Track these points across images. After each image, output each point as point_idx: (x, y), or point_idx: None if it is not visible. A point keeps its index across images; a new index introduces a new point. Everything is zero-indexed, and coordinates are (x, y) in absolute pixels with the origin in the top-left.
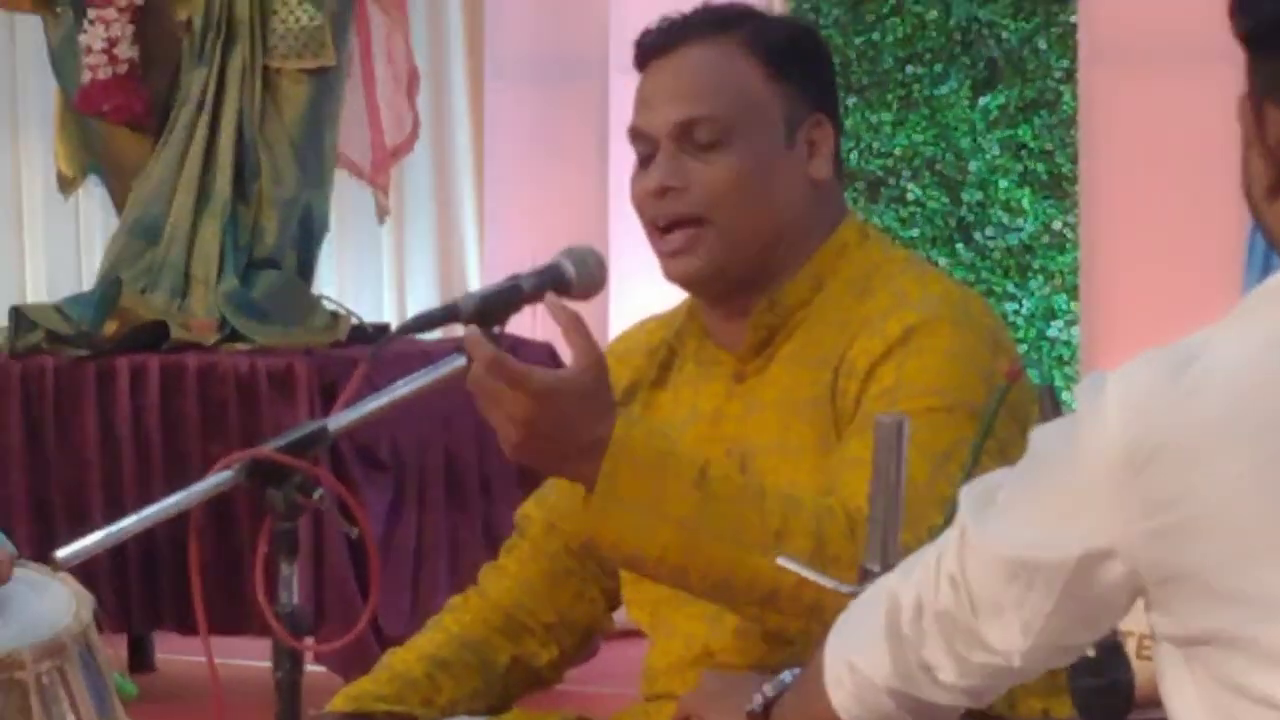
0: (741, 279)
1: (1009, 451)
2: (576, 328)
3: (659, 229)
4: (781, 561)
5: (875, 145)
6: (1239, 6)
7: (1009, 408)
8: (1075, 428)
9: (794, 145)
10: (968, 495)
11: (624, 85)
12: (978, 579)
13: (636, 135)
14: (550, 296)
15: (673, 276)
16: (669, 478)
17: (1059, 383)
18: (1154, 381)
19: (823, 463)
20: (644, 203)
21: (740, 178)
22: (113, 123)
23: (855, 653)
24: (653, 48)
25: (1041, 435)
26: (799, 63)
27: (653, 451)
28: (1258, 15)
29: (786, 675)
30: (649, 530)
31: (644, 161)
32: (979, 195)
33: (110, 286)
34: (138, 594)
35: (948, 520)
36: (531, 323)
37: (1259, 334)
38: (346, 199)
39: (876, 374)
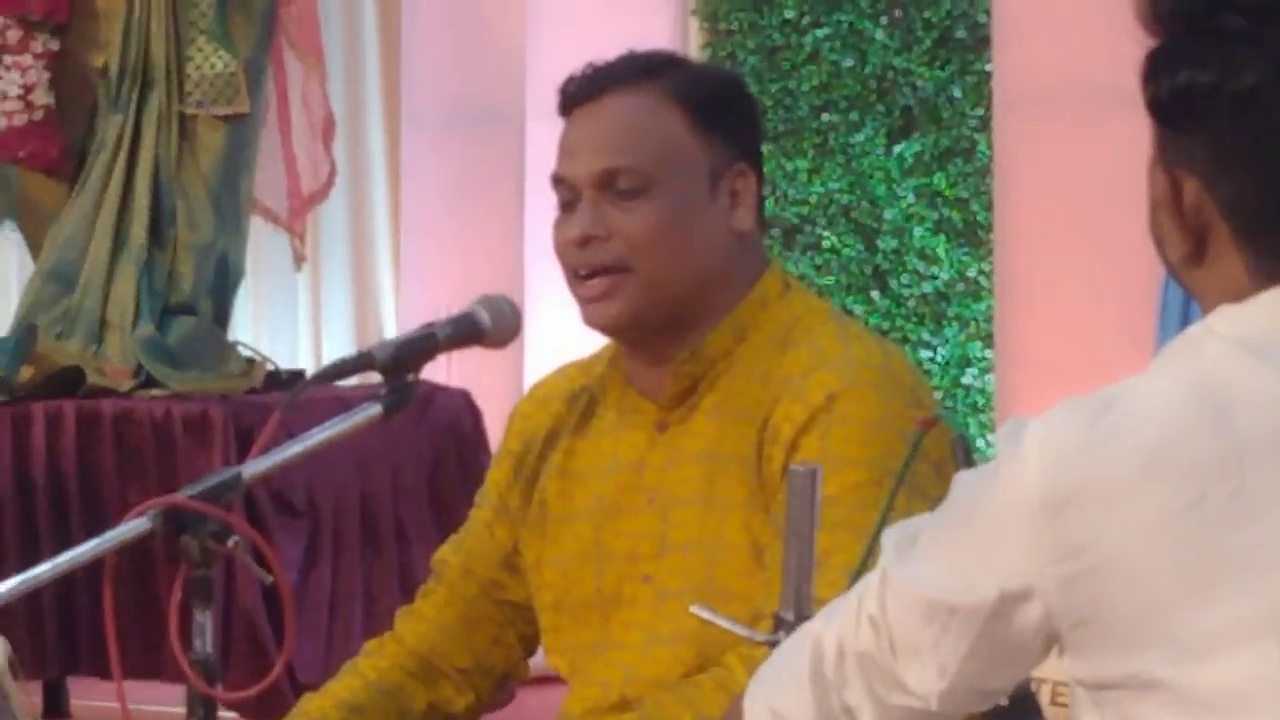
0: (662, 326)
1: (926, 494)
2: None
3: (579, 277)
4: (694, 609)
5: (791, 192)
6: (1150, 76)
7: (924, 455)
8: (995, 472)
9: (717, 195)
10: (889, 538)
11: (541, 132)
12: (898, 620)
13: (559, 182)
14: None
15: (592, 322)
16: None
17: (974, 429)
18: (1072, 427)
19: (750, 519)
20: (566, 251)
21: (662, 227)
22: (28, 168)
23: (778, 699)
24: (577, 95)
25: (962, 480)
26: (724, 113)
27: None
28: (1170, 87)
29: None
30: None
31: (566, 209)
32: (894, 243)
33: (26, 333)
34: (53, 639)
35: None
36: (447, 370)
37: (1176, 383)
38: (263, 245)
39: (800, 444)
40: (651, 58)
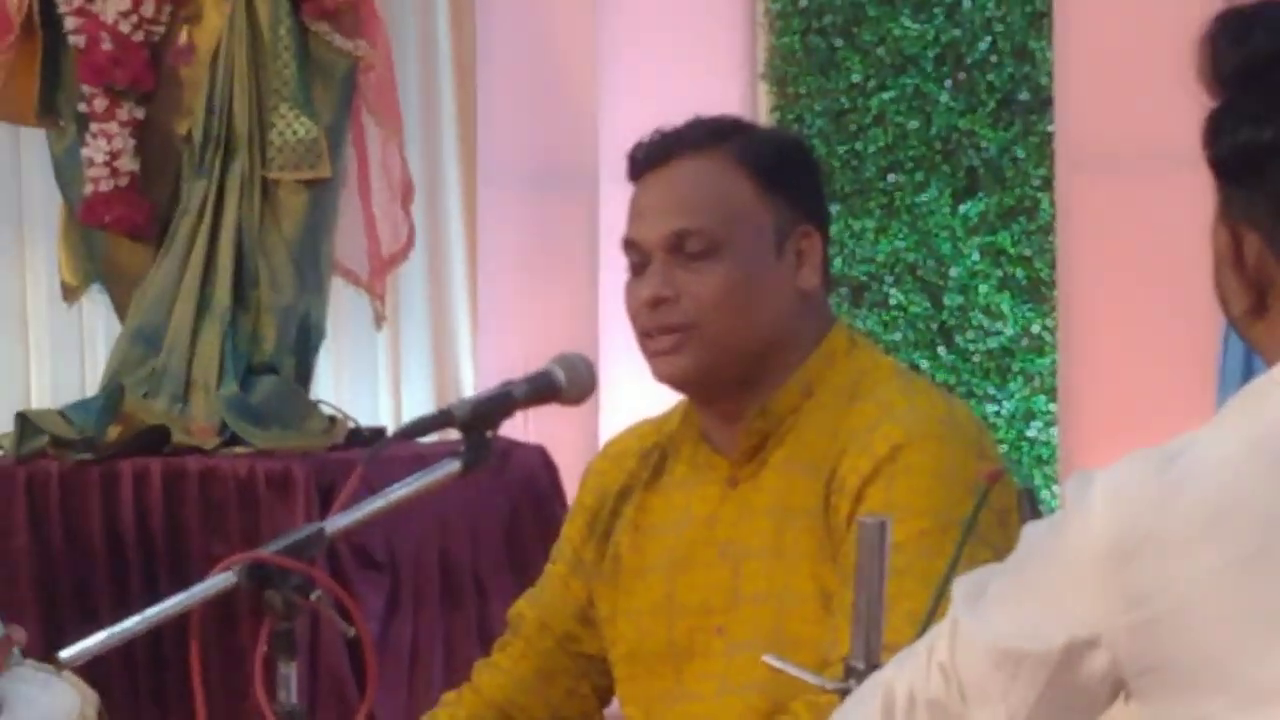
0: (729, 383)
1: (990, 542)
2: None
3: (649, 335)
4: (767, 659)
5: (858, 252)
6: (1211, 135)
7: (988, 505)
8: (1063, 522)
9: (783, 256)
10: (959, 587)
11: (614, 194)
12: (967, 668)
13: (630, 246)
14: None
15: (661, 376)
16: None
17: (1039, 482)
18: (1139, 478)
19: (817, 569)
20: (638, 313)
21: (730, 288)
22: (114, 233)
23: None
24: (646, 160)
25: (1031, 531)
26: (788, 175)
27: None
28: (1230, 145)
29: None
30: None
31: (636, 271)
32: (959, 300)
33: (113, 392)
34: (144, 692)
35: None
36: (524, 427)
37: (1240, 435)
38: (344, 306)
39: (866, 495)
40: (717, 123)
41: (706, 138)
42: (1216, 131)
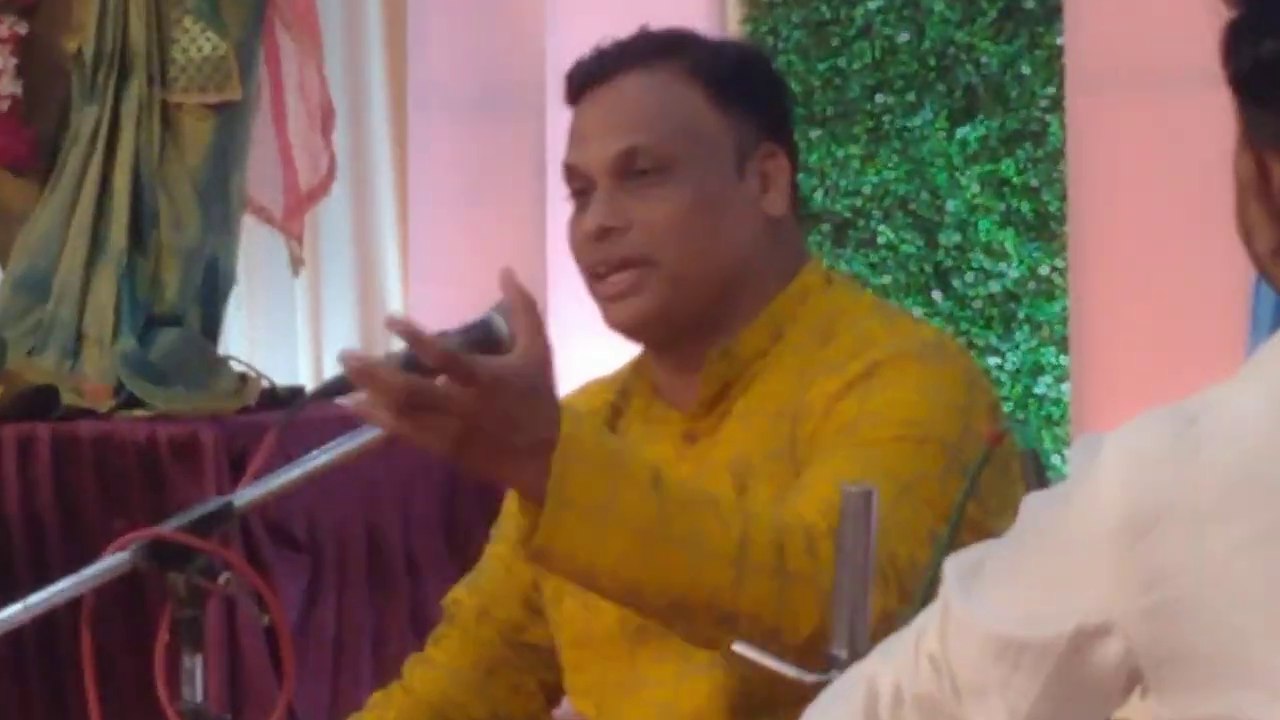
0: (691, 324)
1: (993, 507)
2: (530, 311)
3: (598, 275)
4: (737, 648)
5: (842, 183)
6: (1230, 49)
7: (994, 462)
8: (1069, 493)
9: (744, 178)
10: (952, 567)
11: (563, 118)
12: (961, 659)
13: (571, 173)
14: (505, 271)
15: (615, 323)
16: (623, 480)
17: (1048, 444)
18: (1154, 442)
19: None
20: (582, 248)
21: (686, 213)
22: None
23: None
24: (586, 79)
25: (1032, 502)
26: (748, 89)
27: (604, 451)
28: (1254, 58)
29: None
30: (603, 538)
31: (579, 203)
32: (957, 237)
33: None
34: (37, 686)
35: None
36: None
37: (1268, 392)
38: (256, 248)
39: (836, 409)
40: (666, 35)
41: (653, 51)
42: (1235, 45)
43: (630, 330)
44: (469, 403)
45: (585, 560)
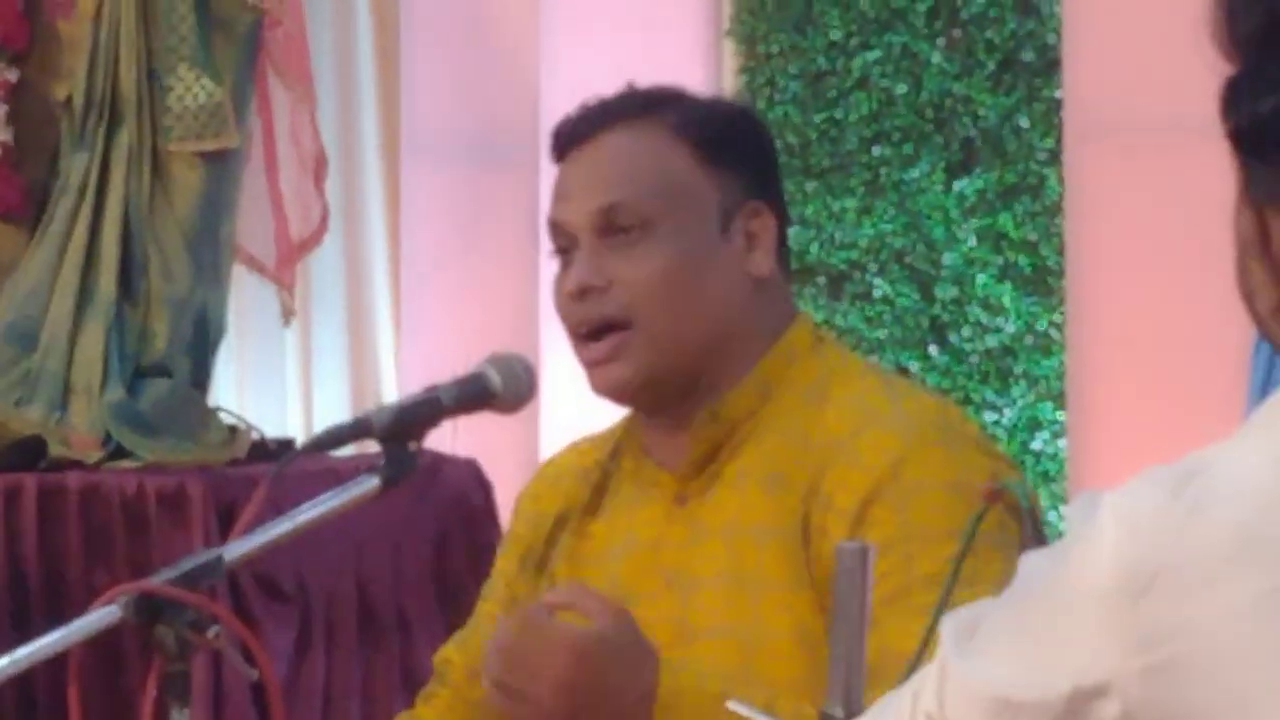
0: (674, 388)
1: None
2: (584, 595)
3: (581, 337)
4: (732, 705)
5: (838, 235)
6: (1229, 105)
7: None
8: (1067, 551)
9: (729, 237)
10: (949, 626)
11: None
12: (957, 718)
13: (555, 230)
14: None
15: (599, 389)
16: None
17: (1045, 501)
18: (1153, 500)
19: (793, 600)
20: (564, 307)
21: (668, 273)
22: None
23: None
24: (571, 136)
25: (1030, 561)
26: (734, 147)
27: (704, 697)
28: (1253, 114)
29: None
30: None
31: (564, 261)
32: (954, 291)
33: None
34: None
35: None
36: (453, 439)
37: (1268, 452)
38: (246, 298)
39: (870, 518)
40: (652, 93)
41: (638, 108)
42: (1235, 101)
43: (614, 396)
44: (564, 670)
45: None
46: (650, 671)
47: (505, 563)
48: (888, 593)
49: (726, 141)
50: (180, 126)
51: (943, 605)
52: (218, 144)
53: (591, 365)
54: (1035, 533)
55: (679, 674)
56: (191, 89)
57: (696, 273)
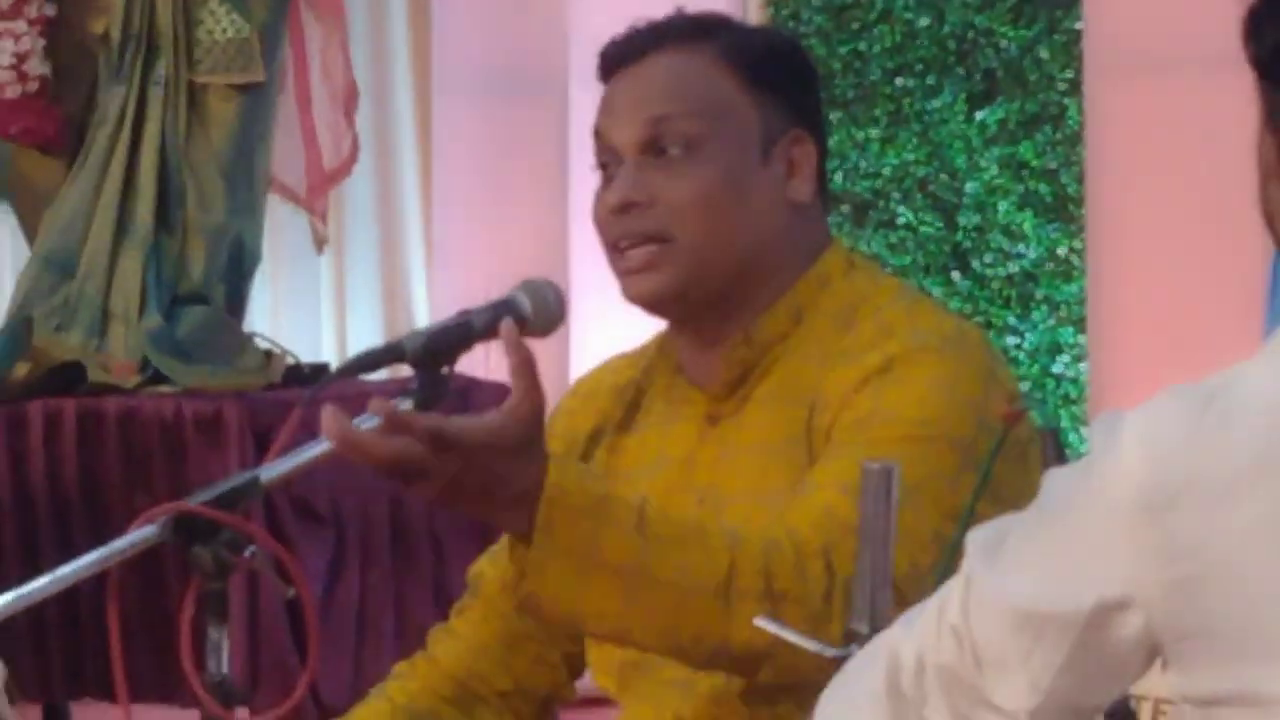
0: (707, 303)
1: (1006, 496)
2: (526, 369)
3: (619, 249)
4: (759, 622)
5: (862, 165)
6: (1251, 32)
7: (1009, 450)
8: (1090, 469)
9: (770, 162)
10: (975, 541)
11: (586, 100)
12: (983, 631)
13: (600, 143)
14: (508, 327)
15: (632, 297)
16: (606, 524)
17: (1065, 423)
18: (1176, 417)
19: None
20: (605, 221)
21: (709, 192)
22: (23, 145)
23: (852, 716)
24: (619, 56)
25: (1053, 478)
26: (779, 75)
27: (588, 497)
28: (1273, 42)
29: None
30: (587, 583)
31: (605, 176)
32: (976, 219)
33: (20, 325)
34: (56, 660)
35: (946, 568)
36: (485, 363)
37: None
38: (280, 227)
39: (851, 401)
40: (701, 18)
41: (687, 32)
42: (1258, 27)
43: (647, 304)
44: (450, 467)
45: (570, 606)
46: (537, 467)
47: None
48: (833, 448)
49: (772, 69)
50: (209, 59)
51: (965, 526)
52: (244, 78)
53: (626, 274)
54: (1056, 453)
55: (566, 470)
56: (221, 24)
57: (737, 194)
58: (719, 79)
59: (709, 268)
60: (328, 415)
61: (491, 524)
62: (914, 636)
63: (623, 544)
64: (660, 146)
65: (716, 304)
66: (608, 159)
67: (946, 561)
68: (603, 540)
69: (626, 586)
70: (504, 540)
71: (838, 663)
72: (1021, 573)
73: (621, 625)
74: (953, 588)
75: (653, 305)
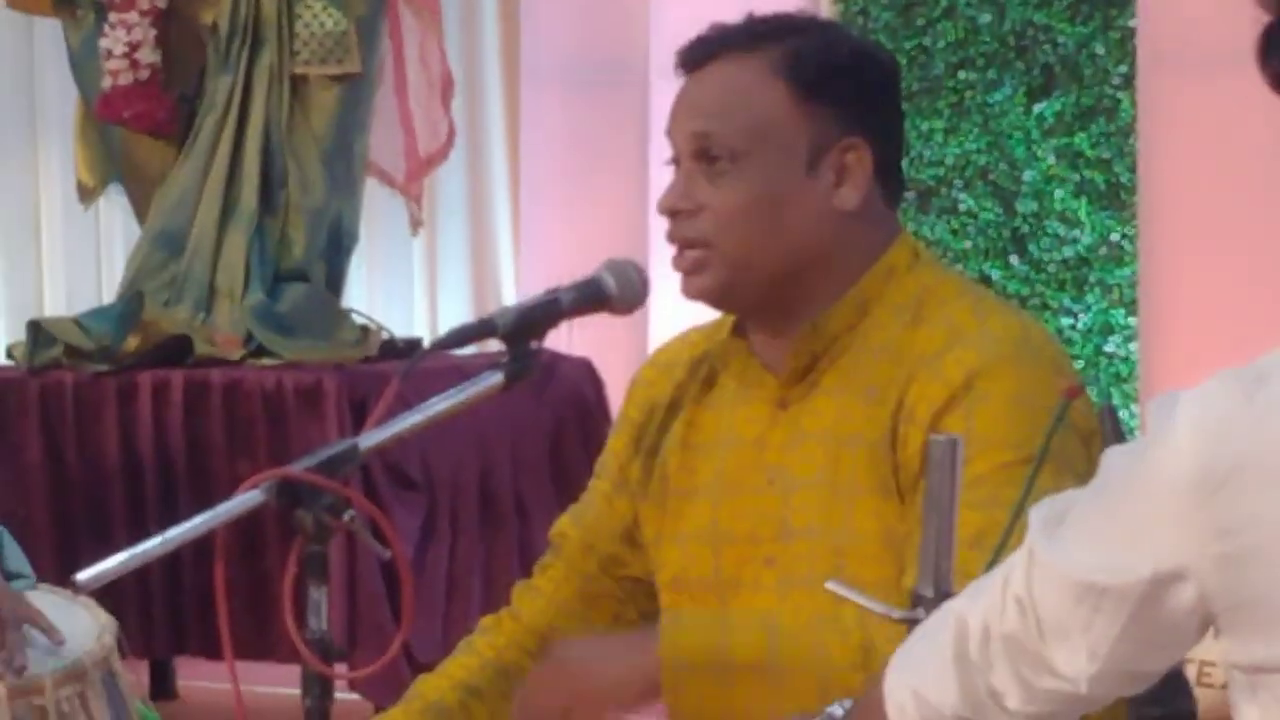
0: (759, 303)
1: (1074, 467)
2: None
3: (675, 248)
4: (830, 585)
5: (926, 154)
6: (1265, 54)
7: (1071, 427)
8: (1146, 450)
9: (818, 173)
10: (1037, 515)
11: (665, 90)
12: (1045, 601)
13: (670, 138)
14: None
15: (685, 294)
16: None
17: (1117, 400)
18: (1228, 402)
19: (880, 506)
20: (666, 218)
21: (748, 205)
22: (134, 130)
23: (921, 681)
24: (688, 60)
25: (1112, 456)
26: (834, 84)
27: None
28: None
29: (836, 709)
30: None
31: (676, 168)
32: (1034, 206)
33: (132, 300)
34: (161, 618)
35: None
36: (568, 338)
37: None
38: (377, 209)
39: (942, 425)
40: (768, 23)
41: (749, 40)
42: (1271, 48)
43: (699, 301)
44: None
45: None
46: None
47: (618, 443)
48: None
49: (829, 79)
50: (307, 51)
51: (1026, 495)
52: (340, 69)
53: (681, 273)
54: (1114, 427)
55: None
56: (319, 17)
57: (773, 208)
58: (769, 92)
59: (749, 273)
60: None
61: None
62: (980, 606)
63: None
64: (708, 155)
65: (770, 303)
66: (676, 155)
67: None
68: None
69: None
70: (585, 500)
71: (905, 625)
72: (1081, 546)
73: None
74: (1017, 560)
75: (706, 303)
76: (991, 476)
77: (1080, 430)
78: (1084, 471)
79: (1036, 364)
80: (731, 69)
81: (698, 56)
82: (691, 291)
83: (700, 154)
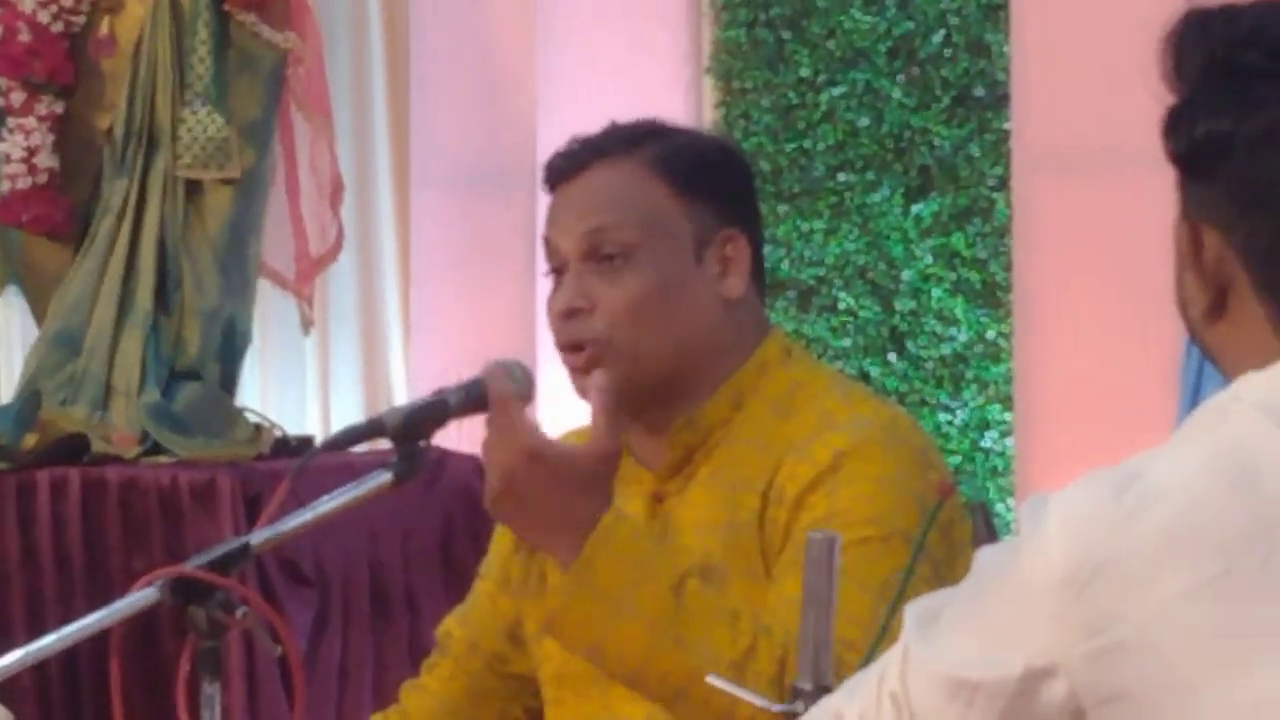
0: (649, 398)
1: (940, 570)
2: (610, 413)
3: (565, 350)
4: (711, 680)
5: (806, 254)
6: (1170, 128)
7: (940, 526)
8: (1018, 548)
9: (703, 263)
10: (912, 612)
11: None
12: (919, 697)
13: (549, 250)
14: (599, 376)
15: (581, 394)
16: (647, 578)
17: (993, 494)
18: (1095, 502)
19: (749, 590)
20: (554, 324)
21: (644, 297)
22: (33, 233)
23: None
24: (560, 171)
25: (985, 555)
26: (708, 179)
27: (637, 549)
28: (1190, 138)
29: None
30: (616, 624)
31: (556, 280)
32: (912, 304)
33: (30, 398)
34: (60, 713)
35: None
36: (457, 436)
37: (1201, 454)
38: (270, 309)
39: (807, 503)
40: (634, 129)
41: (619, 144)
42: (1176, 125)
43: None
44: (510, 460)
45: (594, 639)
46: (598, 504)
47: (501, 542)
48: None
49: (702, 175)
50: (189, 155)
51: (903, 590)
52: (221, 174)
53: (574, 371)
54: (986, 526)
55: (623, 520)
56: (202, 122)
57: (669, 297)
58: (650, 189)
59: (644, 366)
60: (498, 377)
61: (540, 546)
62: (856, 702)
63: (657, 600)
64: (600, 254)
65: (658, 397)
66: (557, 264)
67: (881, 634)
68: (641, 590)
69: (652, 639)
70: (469, 600)
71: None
72: (955, 643)
73: (638, 674)
74: (892, 657)
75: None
76: (848, 550)
77: (941, 523)
78: (941, 558)
79: (903, 450)
80: (609, 173)
81: (570, 166)
82: (586, 389)
83: (591, 253)
